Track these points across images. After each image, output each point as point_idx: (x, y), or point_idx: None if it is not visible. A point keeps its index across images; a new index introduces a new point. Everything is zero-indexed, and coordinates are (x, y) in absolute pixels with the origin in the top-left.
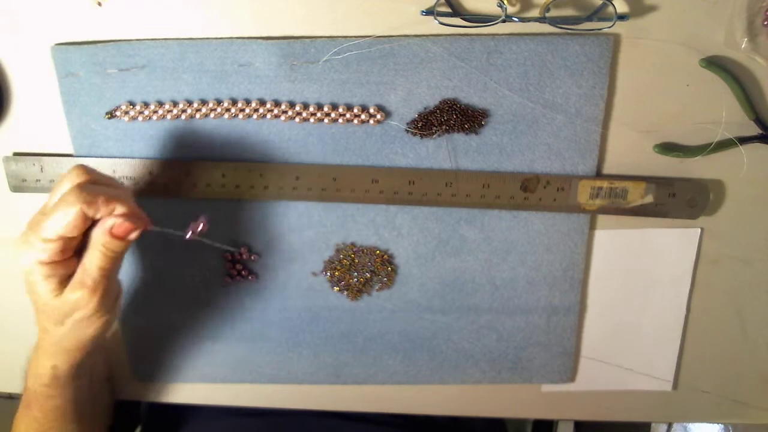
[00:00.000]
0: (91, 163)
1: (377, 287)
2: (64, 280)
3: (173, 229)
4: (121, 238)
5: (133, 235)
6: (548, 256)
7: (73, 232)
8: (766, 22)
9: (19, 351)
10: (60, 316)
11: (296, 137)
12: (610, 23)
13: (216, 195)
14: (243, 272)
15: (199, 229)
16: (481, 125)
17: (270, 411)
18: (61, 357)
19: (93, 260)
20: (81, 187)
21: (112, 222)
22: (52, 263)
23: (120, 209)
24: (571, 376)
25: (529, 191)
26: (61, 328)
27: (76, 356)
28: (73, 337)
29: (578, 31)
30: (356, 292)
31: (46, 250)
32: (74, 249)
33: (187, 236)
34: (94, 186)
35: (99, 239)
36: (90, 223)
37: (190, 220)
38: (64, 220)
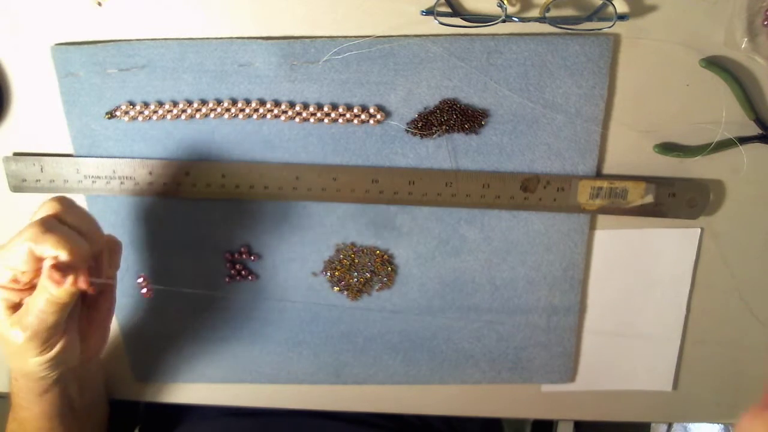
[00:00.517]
0: (91, 163)
1: (377, 287)
2: (16, 307)
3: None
4: (57, 283)
5: (68, 286)
6: (548, 256)
7: (22, 266)
8: (766, 22)
9: None
10: (5, 346)
11: (296, 137)
12: (610, 23)
13: (216, 195)
14: (243, 272)
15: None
16: (481, 125)
17: (266, 411)
18: (22, 378)
19: (35, 301)
20: (41, 223)
21: (48, 265)
22: (7, 288)
23: (63, 256)
24: (571, 376)
25: (529, 191)
26: (11, 357)
27: (35, 381)
28: (22, 368)
29: (578, 31)
30: (356, 292)
31: (3, 275)
32: (30, 282)
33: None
34: (56, 225)
35: (42, 281)
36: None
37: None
38: (14, 254)
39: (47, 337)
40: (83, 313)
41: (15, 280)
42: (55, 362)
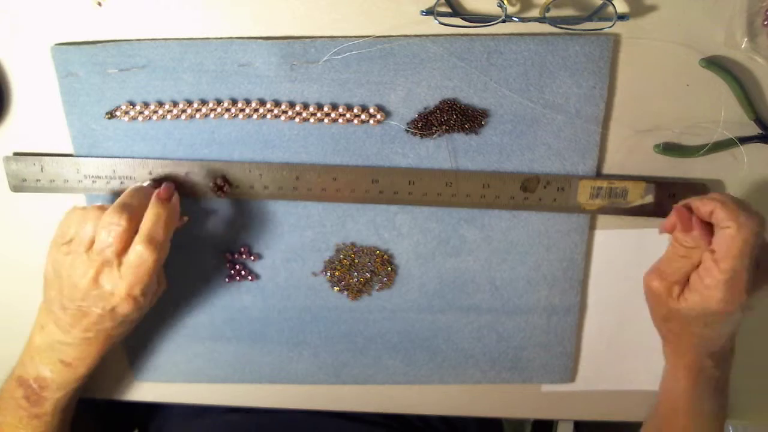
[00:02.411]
0: (91, 163)
1: (377, 287)
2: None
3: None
4: (168, 198)
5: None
6: (548, 256)
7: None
8: (766, 22)
9: (16, 349)
10: (99, 301)
11: (296, 137)
12: (610, 23)
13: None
14: (243, 272)
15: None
16: (481, 125)
17: (262, 409)
18: (96, 359)
19: (146, 223)
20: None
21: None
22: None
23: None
24: (571, 376)
25: (529, 191)
26: (99, 318)
27: (90, 360)
28: (103, 330)
29: (578, 31)
30: (356, 292)
31: (122, 220)
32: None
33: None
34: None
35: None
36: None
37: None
38: (134, 195)
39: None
40: None
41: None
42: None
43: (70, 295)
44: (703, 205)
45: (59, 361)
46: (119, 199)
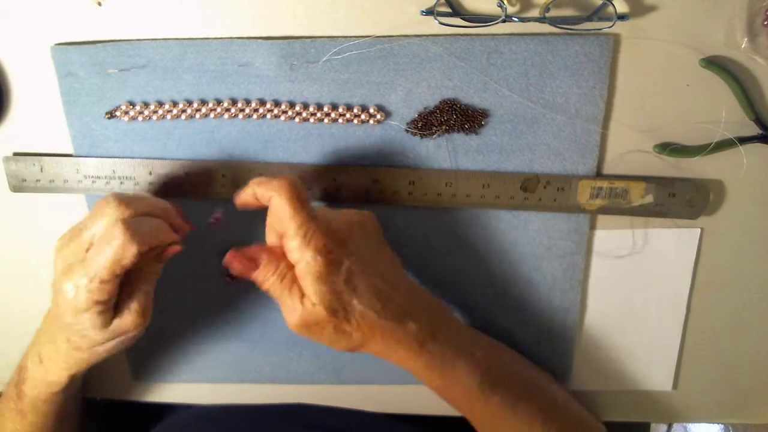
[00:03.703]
0: (91, 163)
1: None
2: (110, 311)
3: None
4: (168, 258)
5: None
6: (548, 256)
7: (127, 268)
8: (766, 22)
9: (16, 350)
10: (101, 339)
11: (296, 137)
12: (610, 23)
13: (216, 195)
14: None
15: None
16: (481, 125)
17: (265, 407)
18: (79, 366)
19: (140, 285)
20: (126, 225)
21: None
22: (105, 301)
23: (165, 237)
24: (570, 376)
25: (529, 191)
26: (98, 347)
27: (86, 366)
28: (103, 351)
29: (578, 31)
30: None
31: (103, 291)
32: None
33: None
34: (138, 220)
35: (145, 266)
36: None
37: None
38: (120, 260)
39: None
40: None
41: (115, 288)
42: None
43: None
44: (264, 188)
45: (37, 354)
46: (133, 222)
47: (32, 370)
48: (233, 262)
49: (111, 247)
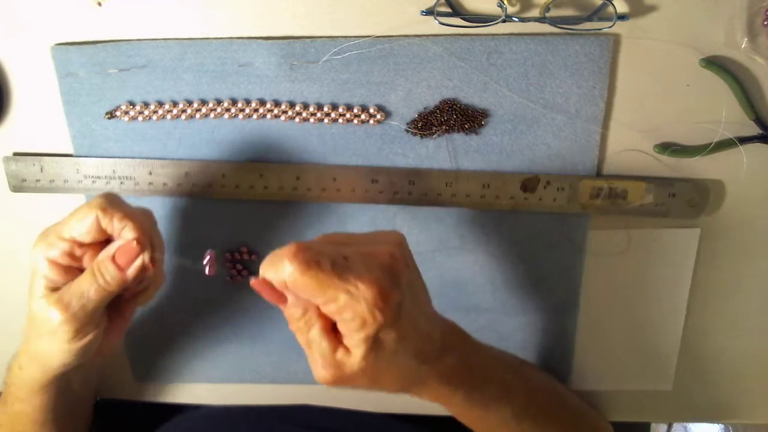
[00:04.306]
0: (91, 163)
1: None
2: (56, 290)
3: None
4: (121, 268)
5: (131, 271)
6: (548, 256)
7: (85, 236)
8: (766, 22)
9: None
10: (35, 327)
11: (296, 137)
12: (610, 23)
13: (216, 195)
14: (243, 272)
15: (206, 260)
16: (481, 125)
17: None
18: (34, 366)
19: (80, 284)
20: (104, 197)
21: (116, 246)
22: (56, 264)
23: (130, 232)
24: (570, 375)
25: (529, 191)
26: (36, 340)
27: (47, 370)
28: (44, 353)
29: (578, 31)
30: None
31: (57, 247)
32: (79, 263)
33: (207, 271)
34: (121, 201)
35: (97, 262)
36: (102, 238)
37: (203, 255)
38: (79, 222)
39: (83, 325)
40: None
41: (70, 254)
42: (82, 352)
43: None
44: (276, 272)
45: (18, 351)
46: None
47: (11, 366)
48: (261, 292)
49: (76, 210)
